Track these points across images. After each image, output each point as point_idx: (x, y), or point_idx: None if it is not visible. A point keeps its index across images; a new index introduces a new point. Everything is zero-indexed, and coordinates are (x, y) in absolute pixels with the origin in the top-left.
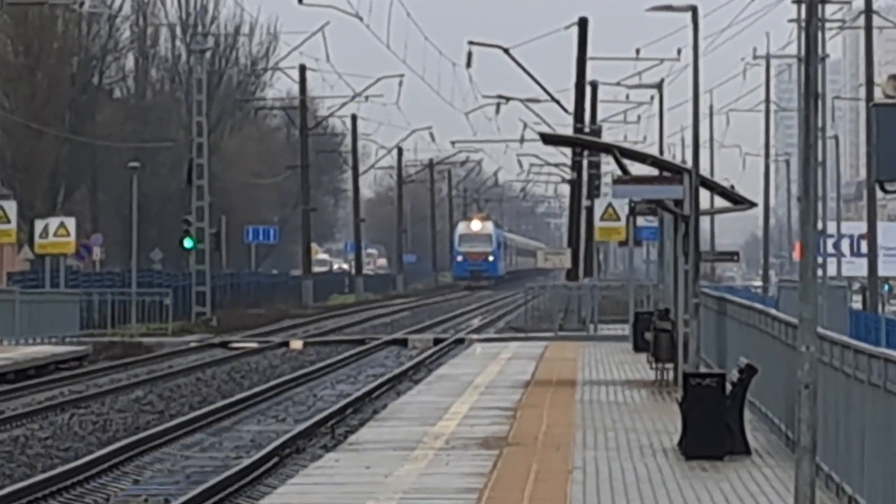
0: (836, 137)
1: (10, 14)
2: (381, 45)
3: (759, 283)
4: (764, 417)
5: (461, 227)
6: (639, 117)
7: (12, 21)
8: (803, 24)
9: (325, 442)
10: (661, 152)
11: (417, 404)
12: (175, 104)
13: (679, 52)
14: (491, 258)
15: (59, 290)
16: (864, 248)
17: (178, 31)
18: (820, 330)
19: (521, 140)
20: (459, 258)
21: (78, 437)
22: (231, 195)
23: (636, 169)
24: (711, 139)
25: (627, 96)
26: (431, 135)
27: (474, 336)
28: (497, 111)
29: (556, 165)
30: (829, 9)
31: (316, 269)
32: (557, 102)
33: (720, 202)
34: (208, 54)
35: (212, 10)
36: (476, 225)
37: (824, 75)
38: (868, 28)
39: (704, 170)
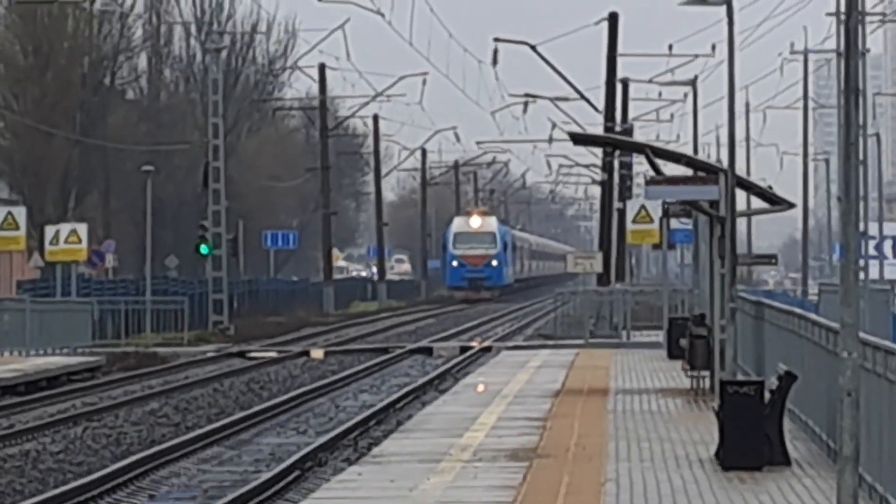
0: (877, 135)
1: (19, 13)
2: (403, 43)
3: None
4: (804, 426)
5: (457, 224)
6: (672, 115)
7: (21, 20)
8: (843, 18)
9: (347, 455)
10: (696, 152)
11: (443, 415)
12: (190, 105)
13: (713, 47)
14: (494, 263)
15: (71, 299)
16: None
17: (193, 29)
18: (862, 335)
19: (550, 140)
20: (454, 263)
21: (91, 451)
22: (249, 199)
23: (669, 169)
24: (748, 138)
25: (660, 94)
26: (456, 135)
27: (500, 344)
28: (524, 110)
29: (587, 166)
30: (870, 2)
31: (336, 275)
32: (587, 101)
33: (757, 203)
34: (224, 53)
35: (227, 8)
36: (475, 221)
37: (865, 70)
38: None
39: (740, 170)
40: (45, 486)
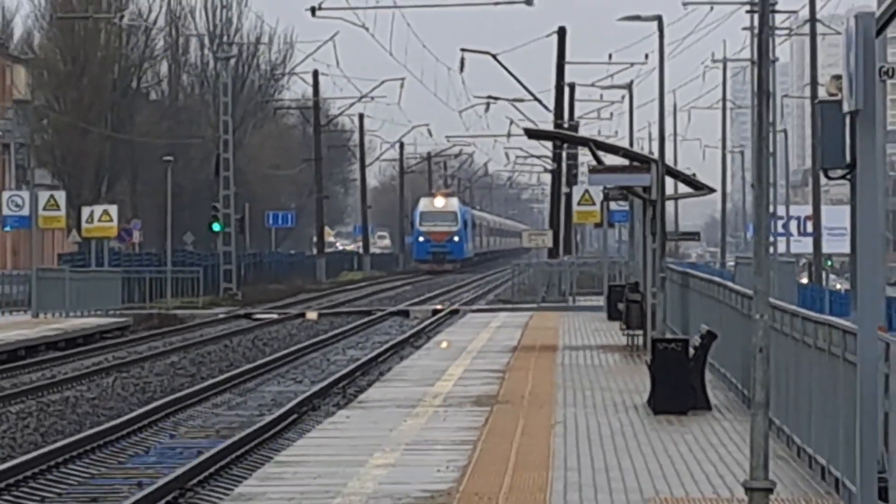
0: (784, 131)
1: (59, 27)
2: (384, 52)
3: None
4: (723, 377)
5: (423, 204)
6: (611, 114)
7: (61, 33)
8: (756, 32)
9: (337, 401)
10: (631, 145)
11: (418, 367)
12: (204, 105)
13: (646, 56)
14: (456, 238)
15: (104, 269)
16: (809, 228)
17: (206, 41)
18: (772, 300)
19: (508, 135)
20: (421, 238)
21: (121, 398)
22: (253, 185)
23: (609, 160)
24: (675, 133)
25: (601, 96)
26: (429, 131)
27: (465, 307)
28: (486, 110)
29: (539, 157)
30: (779, 18)
31: (327, 249)
32: (539, 102)
33: (683, 188)
34: (233, 61)
35: (236, 22)
36: (439, 202)
37: (774, 77)
38: (812, 35)
39: (669, 160)
40: (81, 427)
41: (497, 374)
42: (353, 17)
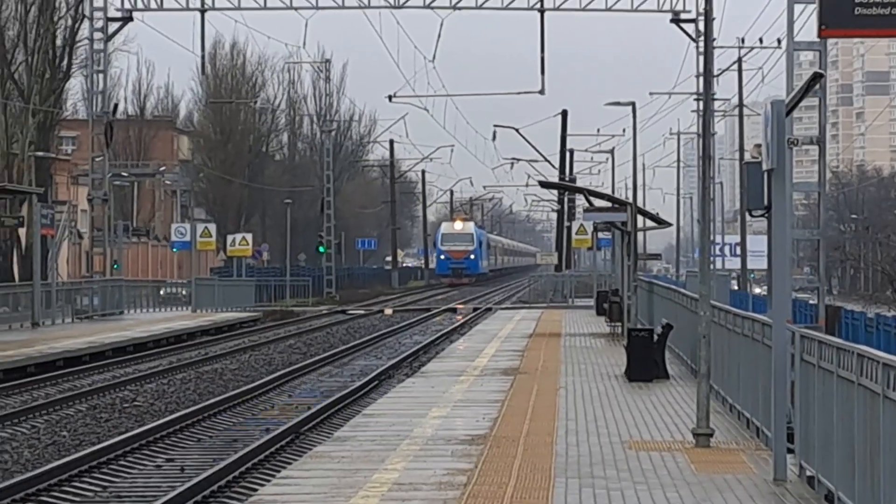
0: (721, 183)
1: (212, 108)
2: (440, 127)
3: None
4: (677, 356)
5: (444, 227)
6: (599, 171)
7: (213, 113)
8: (701, 113)
9: (406, 371)
10: (613, 192)
11: (463, 349)
12: (312, 164)
13: (624, 130)
14: (472, 256)
15: (241, 278)
16: (738, 251)
17: (315, 119)
18: (712, 301)
19: (527, 185)
20: (442, 256)
21: (254, 369)
22: (347, 220)
23: (597, 202)
24: (644, 184)
25: (592, 157)
26: (471, 182)
27: (501, 308)
28: (511, 167)
29: (548, 201)
30: (717, 103)
31: (399, 265)
32: (549, 162)
33: (649, 223)
34: (333, 133)
35: (335, 105)
36: (458, 225)
37: (713, 145)
38: (740, 115)
39: (639, 203)
40: (226, 389)
41: (518, 353)
42: (417, 102)
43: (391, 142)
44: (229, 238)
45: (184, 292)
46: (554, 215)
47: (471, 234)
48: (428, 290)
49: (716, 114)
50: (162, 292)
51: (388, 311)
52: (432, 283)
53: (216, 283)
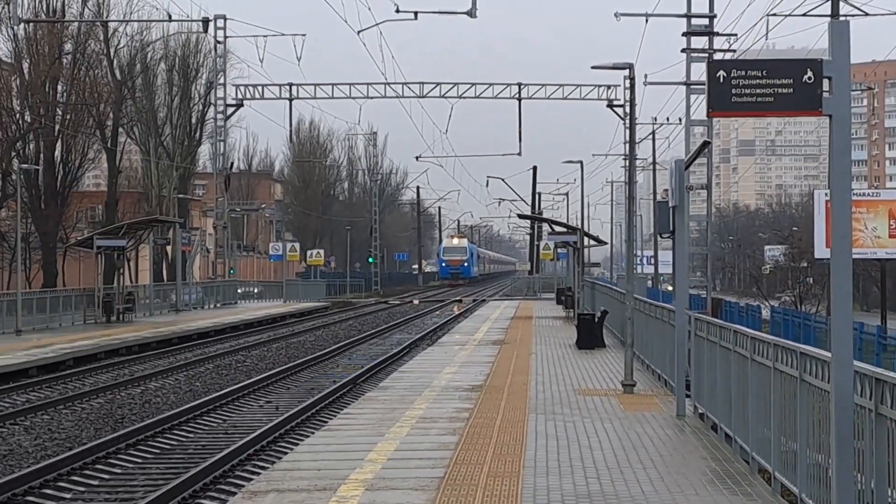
0: (640, 215)
1: (296, 164)
2: (451, 178)
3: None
4: (611, 332)
5: (445, 243)
6: (559, 206)
7: (297, 167)
8: (627, 168)
9: (427, 342)
10: (568, 221)
11: (467, 327)
12: (364, 202)
13: (575, 179)
14: (466, 264)
15: (317, 280)
16: (651, 261)
17: (366, 172)
18: (635, 295)
19: (509, 216)
20: (444, 264)
21: (325, 340)
22: (388, 240)
23: (557, 228)
24: (588, 216)
25: (553, 199)
26: (471, 214)
27: (492, 299)
28: (499, 204)
29: (524, 227)
30: (638, 162)
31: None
32: (524, 200)
33: (592, 242)
34: (378, 182)
35: (380, 162)
36: (455, 241)
37: (636, 189)
38: (654, 169)
39: (585, 228)
40: (307, 354)
41: (503, 329)
42: (435, 161)
43: (417, 188)
44: (308, 252)
45: (275, 290)
46: (528, 237)
47: (465, 247)
48: (441, 289)
49: (637, 168)
50: (239, 290)
51: (416, 302)
52: (437, 285)
53: (299, 283)
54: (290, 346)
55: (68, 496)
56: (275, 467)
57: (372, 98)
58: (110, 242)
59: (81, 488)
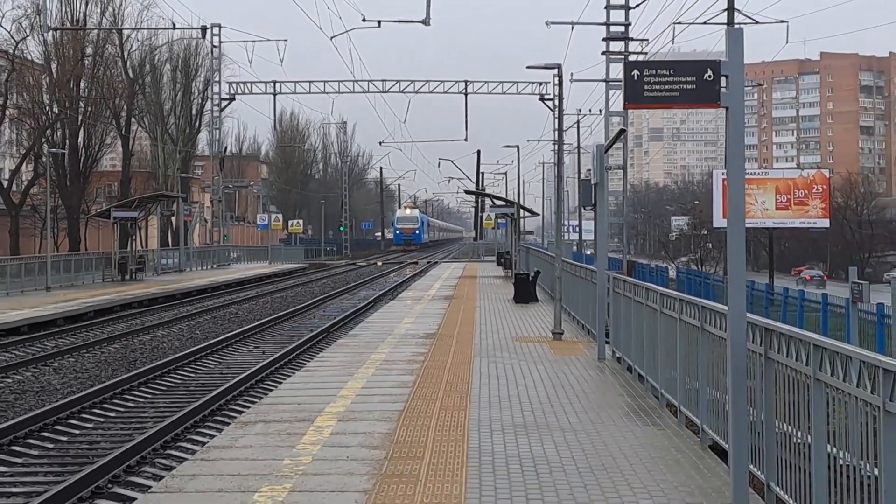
0: (567, 191)
1: (281, 148)
2: (408, 159)
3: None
4: (543, 289)
5: (398, 212)
6: (499, 184)
7: (281, 151)
8: (556, 151)
9: (388, 298)
10: (507, 196)
11: (421, 285)
12: (336, 181)
13: (512, 160)
14: (417, 231)
15: (296, 245)
16: (577, 229)
17: (338, 155)
18: (563, 258)
19: (457, 192)
20: (397, 231)
21: (303, 295)
22: (356, 212)
23: (498, 203)
24: (523, 192)
25: (494, 176)
26: (426, 190)
27: (443, 262)
28: (448, 181)
29: (470, 201)
30: (565, 146)
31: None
32: (470, 179)
33: (526, 214)
34: (348, 163)
35: (349, 147)
36: (407, 211)
37: (563, 169)
38: (578, 151)
39: (521, 202)
40: (287, 307)
41: (452, 286)
42: (395, 146)
43: (381, 168)
44: (289, 222)
45: (261, 254)
46: (473, 209)
47: (416, 216)
48: (400, 253)
49: (564, 152)
50: (233, 255)
51: (379, 264)
52: (395, 250)
53: (281, 248)
54: (275, 301)
55: (90, 425)
56: (262, 402)
57: (342, 93)
58: (124, 214)
59: (101, 419)
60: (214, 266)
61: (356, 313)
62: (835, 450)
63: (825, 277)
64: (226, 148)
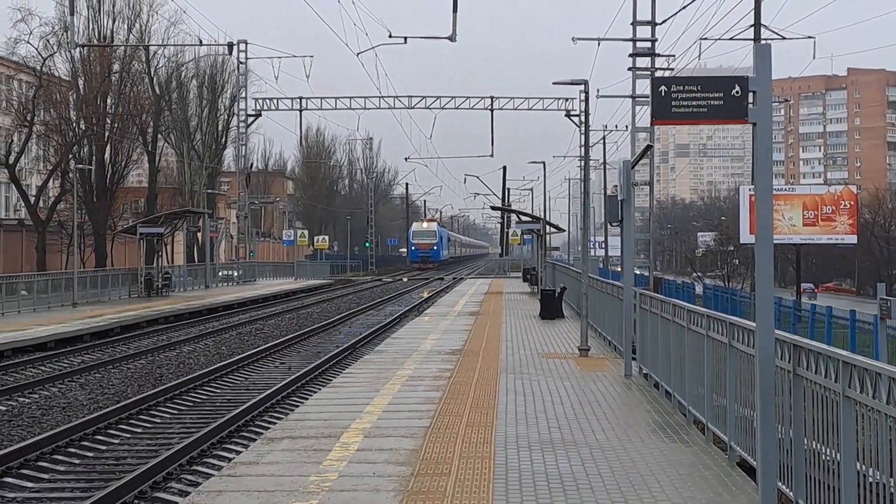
0: (594, 207)
1: (306, 164)
2: (434, 175)
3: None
4: (569, 305)
5: (415, 226)
6: (525, 200)
7: (306, 167)
8: (582, 168)
9: (415, 313)
10: (533, 212)
11: (447, 301)
12: (362, 196)
13: (538, 177)
14: (435, 247)
15: (321, 261)
16: (603, 245)
17: (364, 171)
18: (589, 275)
19: (483, 208)
20: (413, 247)
21: (329, 311)
22: (382, 228)
23: (524, 218)
24: (550, 209)
25: (520, 194)
26: (452, 206)
27: (468, 278)
28: (475, 197)
29: (496, 217)
30: (591, 162)
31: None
32: (496, 195)
33: (553, 230)
34: (374, 179)
35: (375, 162)
36: (425, 224)
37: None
38: (604, 168)
39: (547, 218)
40: (313, 323)
41: (478, 303)
42: (421, 161)
43: (406, 184)
44: (315, 238)
45: (287, 269)
46: (499, 225)
47: (434, 231)
48: (425, 270)
49: (590, 167)
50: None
51: (405, 280)
52: (413, 266)
53: (307, 264)
54: (300, 317)
55: (116, 441)
56: (288, 418)
57: (368, 109)
58: (150, 230)
59: (127, 434)
60: (240, 282)
61: (382, 329)
62: (864, 467)
63: (816, 290)
64: (252, 164)
